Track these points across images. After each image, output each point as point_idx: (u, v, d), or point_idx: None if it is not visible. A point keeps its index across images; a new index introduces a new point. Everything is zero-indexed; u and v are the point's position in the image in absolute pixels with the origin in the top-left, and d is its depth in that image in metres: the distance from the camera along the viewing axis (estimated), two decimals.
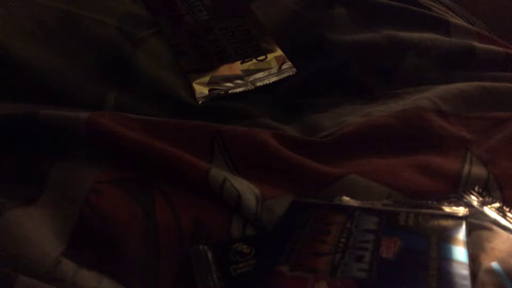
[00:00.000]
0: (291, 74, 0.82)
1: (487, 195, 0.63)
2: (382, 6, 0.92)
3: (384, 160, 0.67)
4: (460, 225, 0.54)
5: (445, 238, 0.52)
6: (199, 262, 0.54)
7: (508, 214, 0.59)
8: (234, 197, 0.59)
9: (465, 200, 0.61)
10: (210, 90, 0.78)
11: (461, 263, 0.49)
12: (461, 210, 0.56)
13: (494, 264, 0.51)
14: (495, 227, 0.56)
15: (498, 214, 0.59)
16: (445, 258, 0.49)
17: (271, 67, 0.83)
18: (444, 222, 0.54)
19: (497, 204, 0.61)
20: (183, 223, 0.57)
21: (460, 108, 0.75)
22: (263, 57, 0.84)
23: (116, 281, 0.53)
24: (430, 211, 0.56)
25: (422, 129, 0.71)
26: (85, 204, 0.57)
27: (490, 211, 0.59)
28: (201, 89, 0.78)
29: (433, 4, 0.98)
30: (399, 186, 0.63)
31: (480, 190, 0.63)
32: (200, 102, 0.77)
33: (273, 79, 0.81)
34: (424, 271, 0.48)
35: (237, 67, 0.82)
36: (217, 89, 0.78)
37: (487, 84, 0.79)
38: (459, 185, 0.64)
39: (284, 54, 0.84)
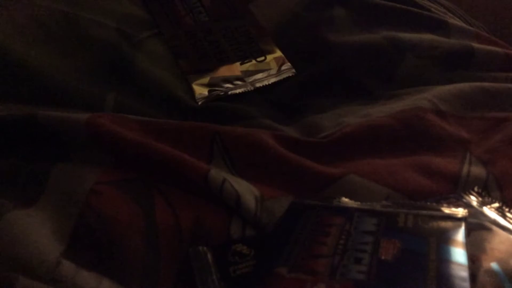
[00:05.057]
0: (290, 75, 0.82)
1: (486, 195, 0.63)
2: (382, 7, 0.92)
3: (384, 160, 0.67)
4: (460, 226, 0.54)
5: (444, 240, 0.52)
6: (198, 263, 0.54)
7: (508, 214, 0.59)
8: (234, 198, 0.59)
9: (464, 200, 0.61)
10: (209, 91, 0.78)
11: (460, 265, 0.49)
12: (461, 211, 0.56)
13: (494, 265, 0.51)
14: (494, 227, 0.56)
15: (498, 214, 0.59)
16: (444, 260, 0.49)
17: (271, 68, 0.83)
18: (443, 224, 0.54)
19: (496, 204, 0.61)
20: (183, 224, 0.57)
21: (460, 108, 0.75)
22: (263, 58, 0.84)
23: (116, 282, 0.52)
24: (429, 212, 0.56)
25: (422, 130, 0.71)
26: (85, 205, 0.57)
27: (489, 211, 0.59)
28: (200, 90, 0.78)
29: (432, 5, 0.98)
30: (399, 186, 0.63)
31: (480, 190, 0.63)
32: (199, 103, 0.77)
33: (273, 80, 0.82)
34: (423, 273, 0.48)
35: (236, 68, 0.82)
36: (217, 90, 0.79)
37: (486, 84, 0.79)
38: (458, 185, 0.64)
39: (283, 55, 0.84)
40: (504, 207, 0.60)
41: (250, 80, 0.81)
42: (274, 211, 0.59)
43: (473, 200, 0.61)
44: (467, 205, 0.60)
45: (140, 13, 0.86)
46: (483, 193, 0.63)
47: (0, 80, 0.72)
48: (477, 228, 0.56)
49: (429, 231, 0.53)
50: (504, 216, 0.58)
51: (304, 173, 0.64)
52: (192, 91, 0.78)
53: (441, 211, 0.56)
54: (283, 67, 0.83)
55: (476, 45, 0.86)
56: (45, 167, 0.61)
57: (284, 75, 0.82)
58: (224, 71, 0.82)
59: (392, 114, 0.72)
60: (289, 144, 0.68)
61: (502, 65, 0.85)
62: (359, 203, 0.59)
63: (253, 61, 0.83)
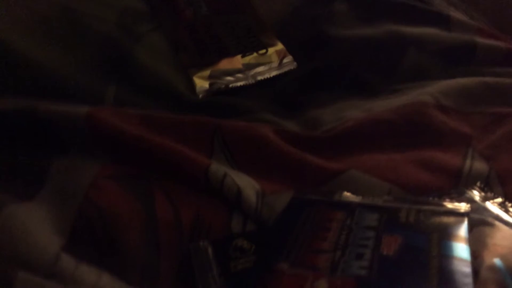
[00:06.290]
0: (292, 68, 0.82)
1: (489, 191, 0.62)
2: (383, 1, 0.91)
3: (385, 155, 0.67)
4: (462, 221, 0.53)
5: (447, 235, 0.51)
6: (199, 259, 0.54)
7: (510, 209, 0.59)
8: (235, 192, 0.59)
9: (466, 195, 0.61)
10: (210, 84, 0.78)
11: (462, 260, 0.49)
12: (463, 207, 0.56)
13: (496, 261, 0.50)
14: (497, 223, 0.56)
15: (500, 209, 0.59)
16: (447, 255, 0.49)
17: (272, 61, 0.82)
18: (446, 219, 0.54)
19: (499, 199, 0.60)
20: (183, 219, 0.57)
21: (462, 103, 0.75)
22: (264, 51, 0.83)
23: (116, 276, 0.52)
24: (431, 207, 0.56)
25: (423, 125, 0.71)
26: (85, 199, 0.57)
27: (492, 206, 0.59)
28: (201, 83, 0.78)
29: None
30: (400, 181, 0.63)
31: (482, 186, 0.63)
32: (200, 97, 0.76)
33: (274, 73, 0.81)
34: (425, 269, 0.47)
35: (237, 61, 0.82)
36: (218, 82, 0.78)
37: (488, 79, 0.79)
38: (460, 180, 0.64)
39: (285, 48, 0.84)
40: (506, 203, 0.60)
41: (251, 73, 0.80)
42: (275, 206, 0.59)
43: (476, 195, 0.61)
44: (470, 201, 0.59)
45: (140, 6, 0.86)
46: (486, 189, 0.63)
47: (0, 73, 0.71)
48: (480, 223, 0.56)
49: (431, 227, 0.53)
50: (507, 211, 0.58)
51: (305, 167, 0.64)
52: (192, 85, 0.78)
53: (443, 206, 0.56)
54: (285, 60, 0.82)
55: (478, 39, 0.86)
56: (45, 161, 0.61)
57: (286, 69, 0.82)
58: (225, 64, 0.81)
59: (394, 109, 0.72)
60: (290, 139, 0.68)
61: (505, 60, 0.84)
62: (360, 198, 0.58)
63: (254, 54, 0.83)
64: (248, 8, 0.89)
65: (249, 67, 0.81)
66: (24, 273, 0.49)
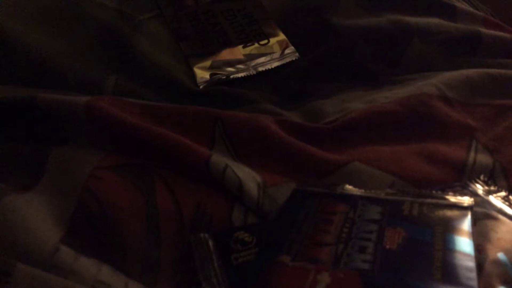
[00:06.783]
0: (293, 59, 0.81)
1: (492, 184, 0.62)
2: None
3: (388, 147, 0.66)
4: (466, 215, 0.53)
5: (450, 229, 0.51)
6: (199, 251, 0.53)
7: None
8: (236, 184, 0.58)
9: (470, 188, 0.61)
10: (211, 75, 0.77)
11: (466, 254, 0.48)
12: (466, 200, 0.55)
13: (500, 255, 0.50)
14: (501, 217, 0.56)
15: (504, 203, 0.58)
16: (450, 249, 0.49)
17: (274, 52, 0.81)
18: (449, 212, 0.53)
19: (502, 193, 0.60)
20: (184, 210, 0.57)
21: (466, 95, 0.74)
22: (266, 41, 0.83)
23: (116, 268, 0.52)
24: (434, 200, 0.55)
25: (427, 116, 0.70)
26: (85, 190, 0.56)
27: (495, 200, 0.59)
28: (202, 74, 0.77)
29: None
30: (403, 174, 0.62)
31: (486, 179, 0.63)
32: (201, 87, 0.75)
33: (275, 64, 0.80)
34: (429, 263, 0.47)
35: (239, 52, 0.81)
36: (219, 73, 0.77)
37: (493, 71, 0.78)
38: (464, 173, 0.64)
39: (286, 39, 0.83)
40: (510, 196, 0.59)
41: (252, 64, 0.80)
42: (277, 198, 0.59)
43: (479, 188, 0.61)
44: (473, 194, 0.59)
45: None
46: (489, 182, 0.62)
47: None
48: (483, 217, 0.55)
49: (434, 220, 0.52)
50: (510, 205, 0.58)
51: (307, 159, 0.63)
52: (193, 75, 0.77)
53: (446, 199, 0.56)
54: (287, 51, 0.82)
55: (483, 30, 0.85)
56: (44, 150, 0.61)
57: (288, 59, 0.81)
58: (226, 54, 0.80)
59: (398, 100, 0.71)
60: (292, 130, 0.67)
61: (510, 52, 0.84)
62: (363, 190, 0.58)
63: (256, 44, 0.82)
64: None
65: (250, 57, 0.80)
66: (22, 264, 0.48)
